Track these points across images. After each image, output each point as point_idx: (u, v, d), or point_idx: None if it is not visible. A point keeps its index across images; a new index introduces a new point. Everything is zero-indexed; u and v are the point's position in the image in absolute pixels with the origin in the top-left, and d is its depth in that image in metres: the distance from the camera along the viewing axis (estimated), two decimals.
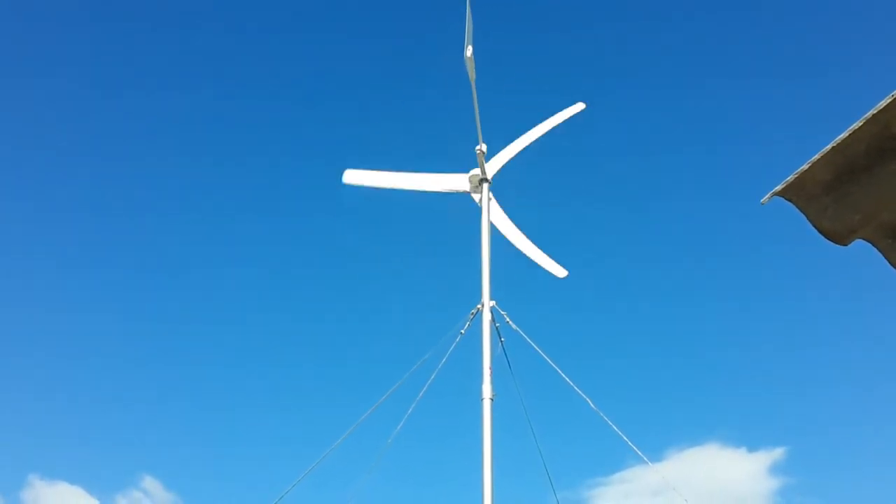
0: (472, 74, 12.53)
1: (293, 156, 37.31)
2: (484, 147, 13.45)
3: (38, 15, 35.71)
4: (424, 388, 12.41)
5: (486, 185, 13.42)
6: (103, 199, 36.34)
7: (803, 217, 4.77)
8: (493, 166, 13.89)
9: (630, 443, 12.07)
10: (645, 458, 12.33)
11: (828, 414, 32.16)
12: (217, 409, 32.64)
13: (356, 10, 39.17)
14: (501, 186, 13.88)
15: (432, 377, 12.40)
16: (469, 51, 12.39)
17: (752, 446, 32.07)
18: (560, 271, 14.08)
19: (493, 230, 13.54)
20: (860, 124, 4.17)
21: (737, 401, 32.59)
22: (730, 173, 35.34)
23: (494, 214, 13.69)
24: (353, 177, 14.42)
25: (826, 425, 31.72)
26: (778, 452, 31.14)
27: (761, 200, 4.64)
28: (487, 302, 12.44)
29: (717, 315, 34.36)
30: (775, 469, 31.62)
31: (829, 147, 4.33)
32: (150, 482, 29.97)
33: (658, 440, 29.34)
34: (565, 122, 14.66)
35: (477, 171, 13.67)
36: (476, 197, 13.68)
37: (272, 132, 37.72)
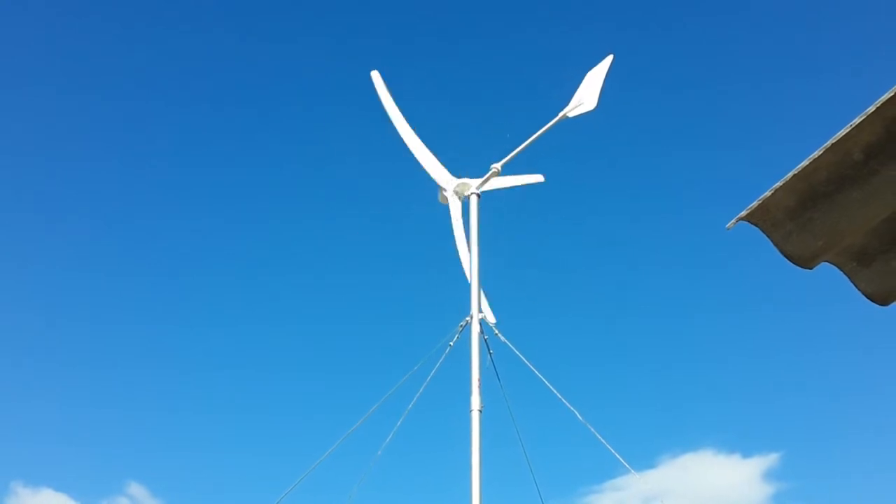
0: (570, 112, 12.97)
1: (287, 160, 37.32)
2: (500, 167, 13.46)
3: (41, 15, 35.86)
4: (414, 400, 12.47)
5: (475, 199, 13.43)
6: (92, 198, 36.26)
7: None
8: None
9: (617, 454, 12.08)
10: (631, 469, 12.35)
11: (822, 419, 32.21)
12: (204, 415, 32.59)
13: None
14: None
15: (421, 389, 12.46)
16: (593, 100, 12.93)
17: (746, 452, 32.14)
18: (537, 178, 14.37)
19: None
20: (820, 153, 4.22)
21: (731, 406, 32.65)
22: (721, 177, 35.37)
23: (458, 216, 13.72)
24: (378, 81, 14.95)
25: (821, 430, 31.78)
26: (772, 458, 31.22)
27: (727, 226, 4.70)
28: (476, 314, 12.48)
29: (712, 320, 34.38)
30: (769, 475, 31.69)
31: (791, 174, 4.39)
32: (136, 488, 29.87)
33: (651, 446, 29.40)
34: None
35: (472, 182, 13.63)
36: (448, 202, 13.71)
37: (269, 135, 37.79)
